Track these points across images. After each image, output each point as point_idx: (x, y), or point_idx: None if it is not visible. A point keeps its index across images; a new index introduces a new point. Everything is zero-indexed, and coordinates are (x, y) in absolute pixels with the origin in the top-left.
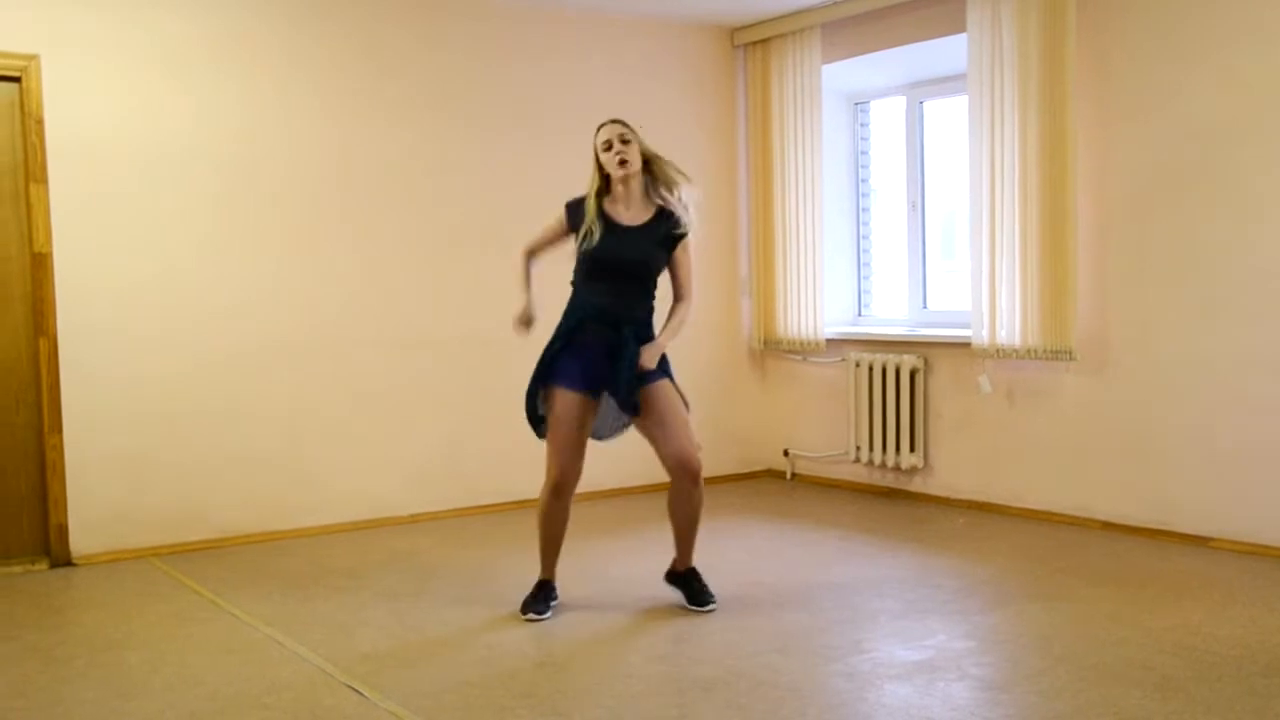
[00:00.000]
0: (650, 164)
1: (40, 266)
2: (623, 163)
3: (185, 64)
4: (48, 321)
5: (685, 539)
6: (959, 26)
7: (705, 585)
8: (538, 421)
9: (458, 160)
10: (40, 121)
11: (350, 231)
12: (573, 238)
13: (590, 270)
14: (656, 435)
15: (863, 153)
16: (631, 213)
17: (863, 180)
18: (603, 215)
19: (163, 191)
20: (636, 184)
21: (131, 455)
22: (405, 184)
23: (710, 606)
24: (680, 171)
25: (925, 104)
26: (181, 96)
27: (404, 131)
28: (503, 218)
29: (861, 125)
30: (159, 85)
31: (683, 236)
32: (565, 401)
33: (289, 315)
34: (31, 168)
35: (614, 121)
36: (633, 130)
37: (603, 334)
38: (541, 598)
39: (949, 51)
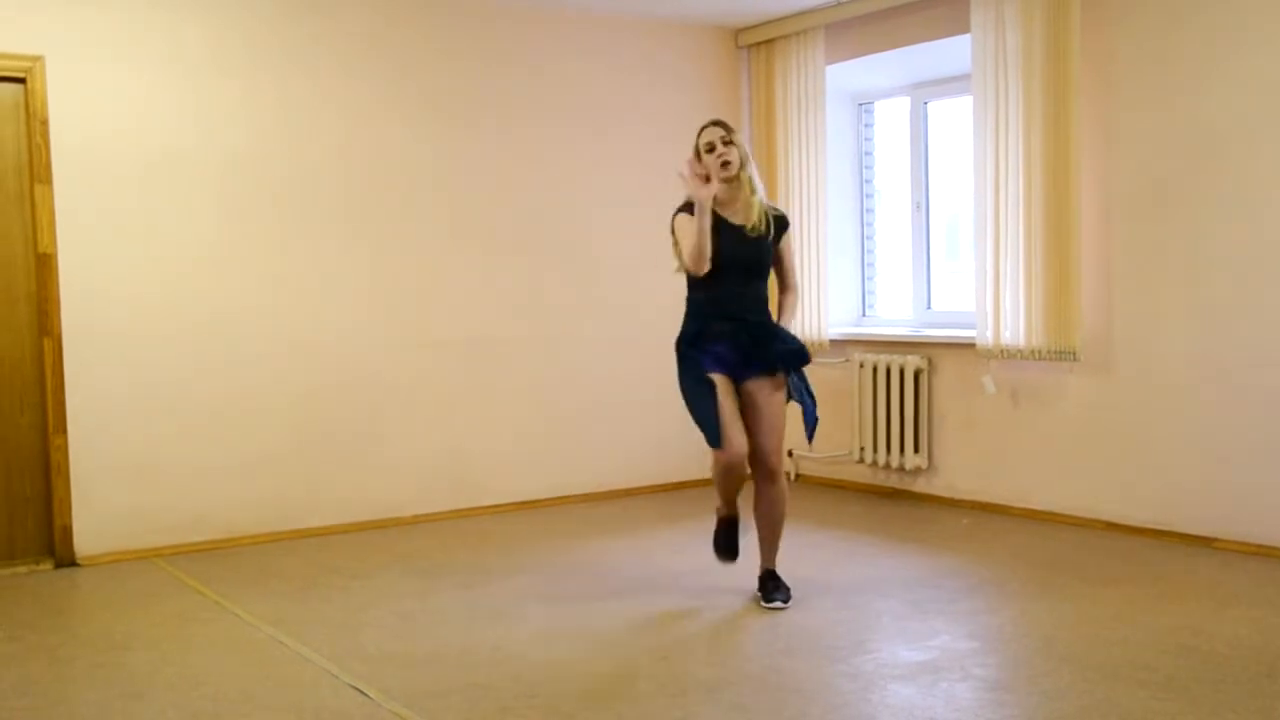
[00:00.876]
0: (743, 167)
1: (45, 267)
2: (725, 164)
3: (190, 65)
4: (52, 322)
5: (769, 538)
6: (963, 27)
7: (782, 586)
8: (712, 428)
9: (461, 161)
10: (45, 122)
11: (354, 233)
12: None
13: (708, 272)
14: (750, 427)
15: (867, 153)
16: (738, 213)
17: (867, 181)
18: (719, 221)
19: (167, 192)
20: (736, 185)
21: (135, 456)
22: (408, 185)
23: (775, 604)
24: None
25: (929, 104)
26: (186, 98)
27: (407, 132)
28: (506, 219)
29: (866, 126)
30: (163, 86)
31: (786, 228)
32: (720, 382)
33: (293, 316)
34: (36, 168)
35: (716, 123)
36: (733, 132)
37: (727, 330)
38: (729, 539)
39: (953, 52)
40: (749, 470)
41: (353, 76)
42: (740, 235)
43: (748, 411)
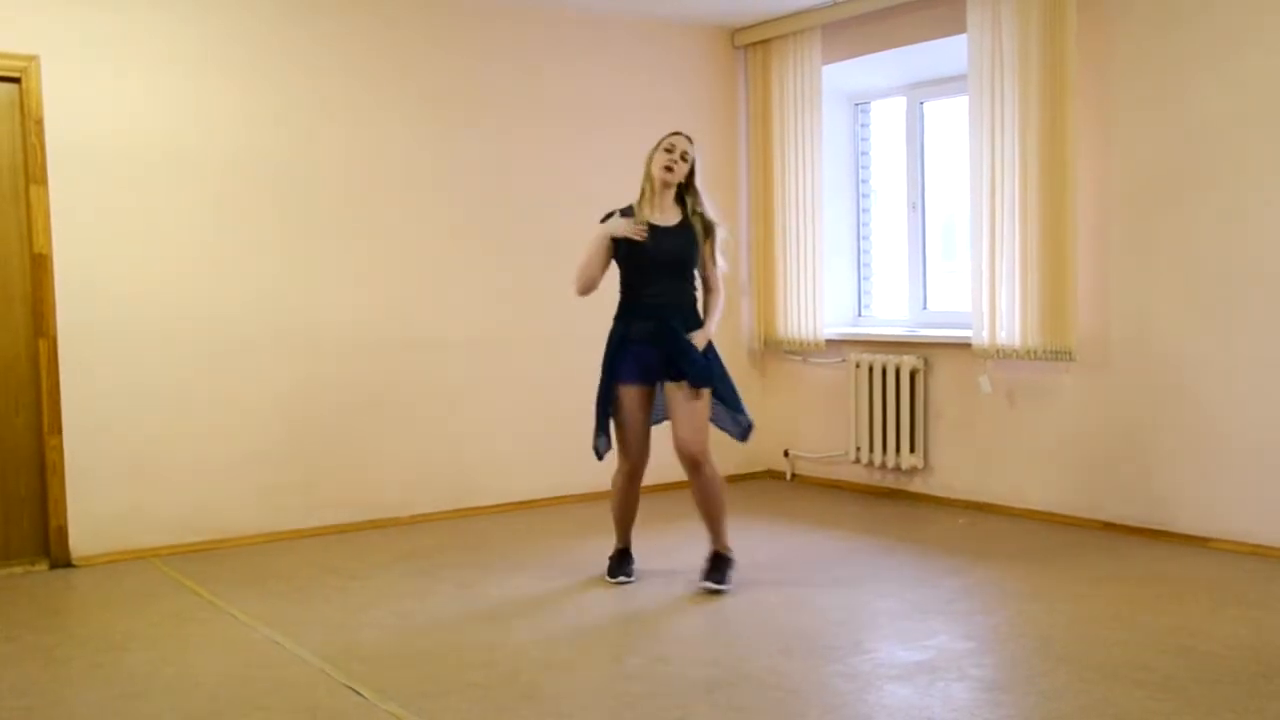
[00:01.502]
0: (688, 188)
1: (40, 267)
2: (669, 169)
3: (185, 65)
4: (47, 322)
5: (707, 523)
6: (959, 27)
7: (722, 569)
8: (602, 428)
9: (459, 161)
10: (40, 122)
11: (351, 232)
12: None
13: (633, 268)
14: (673, 425)
15: (863, 153)
16: (663, 216)
17: (863, 181)
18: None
19: (163, 192)
20: (670, 194)
21: (131, 456)
22: (406, 185)
23: (707, 585)
24: (711, 213)
25: (925, 104)
26: (182, 97)
27: (405, 132)
28: (504, 219)
29: (862, 126)
30: (159, 86)
31: (713, 232)
32: (627, 395)
33: (289, 316)
34: (31, 169)
35: (683, 135)
36: (693, 150)
37: (650, 329)
38: (625, 563)
39: (949, 52)
40: (638, 492)
41: (351, 76)
42: (664, 233)
43: (668, 407)
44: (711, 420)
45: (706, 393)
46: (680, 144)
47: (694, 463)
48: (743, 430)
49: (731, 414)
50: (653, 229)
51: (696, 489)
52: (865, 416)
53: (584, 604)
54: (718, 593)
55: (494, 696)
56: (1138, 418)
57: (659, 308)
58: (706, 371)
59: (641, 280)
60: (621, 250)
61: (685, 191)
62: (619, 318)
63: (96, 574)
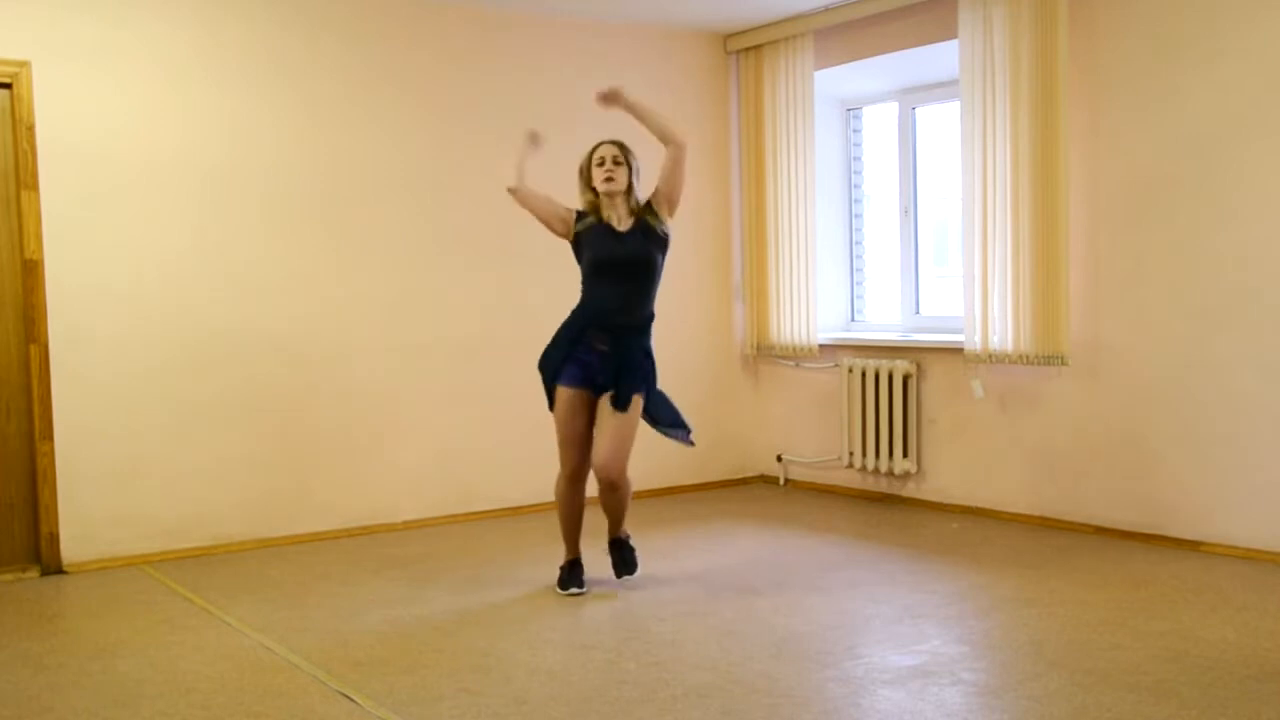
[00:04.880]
0: (630, 192)
1: (31, 273)
2: (609, 179)
3: (176, 70)
4: (38, 328)
5: (611, 520)
6: (951, 33)
7: (626, 556)
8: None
9: (450, 167)
10: (31, 128)
11: (342, 238)
12: (570, 228)
13: (594, 272)
14: (596, 441)
15: (855, 159)
16: (619, 223)
17: (855, 186)
18: (601, 223)
19: (154, 198)
20: (622, 200)
21: (123, 462)
22: (398, 191)
23: (627, 575)
24: (661, 215)
25: (917, 110)
26: (173, 103)
27: (396, 138)
28: (494, 224)
29: (854, 131)
30: (150, 92)
31: (646, 204)
32: (566, 398)
33: (281, 322)
34: (22, 174)
35: (611, 142)
36: (627, 154)
37: (603, 341)
38: (576, 574)
39: (941, 58)
40: (583, 497)
41: (341, 81)
42: (618, 237)
43: (596, 423)
44: (664, 434)
45: (634, 415)
46: (609, 151)
47: (611, 484)
48: (686, 435)
49: (672, 431)
50: (614, 232)
51: (608, 504)
52: (858, 421)
53: (576, 609)
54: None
55: (486, 702)
56: (1130, 422)
57: (615, 315)
58: (635, 394)
59: (600, 285)
60: (586, 255)
61: (630, 194)
62: (573, 322)
63: (88, 580)
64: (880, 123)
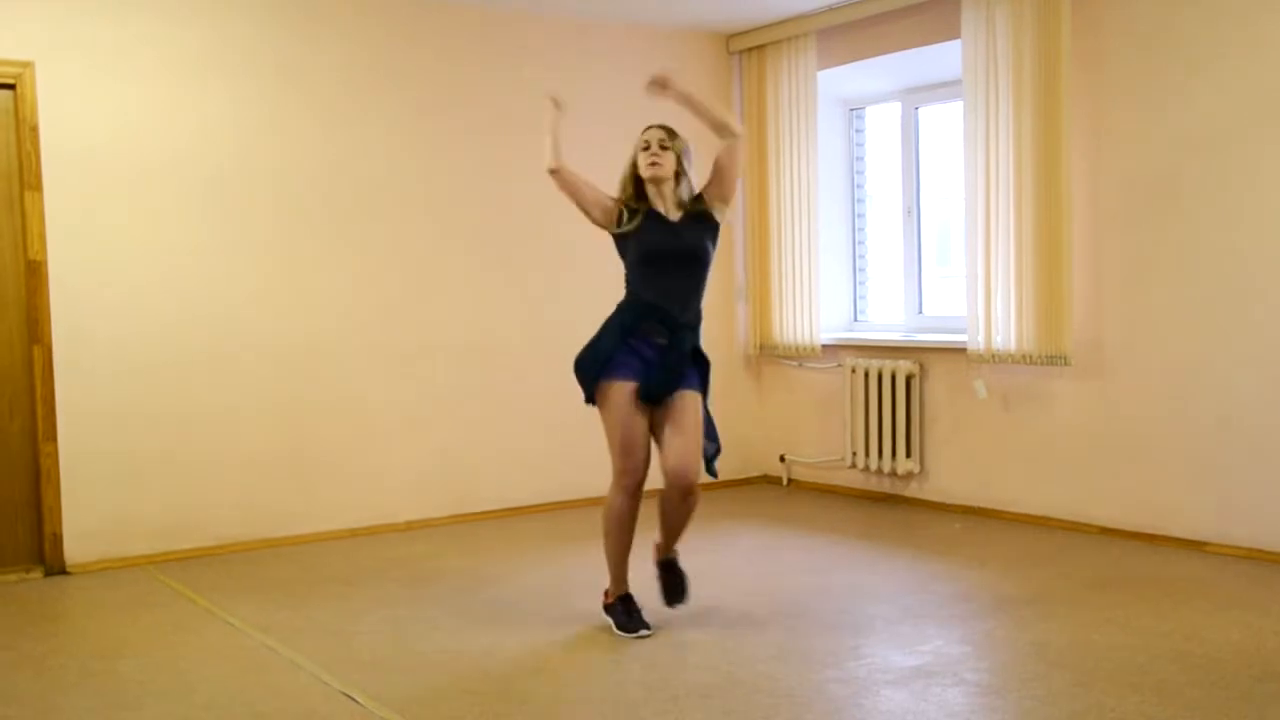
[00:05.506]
0: (679, 179)
1: (35, 274)
2: (654, 164)
3: (180, 71)
4: (42, 329)
5: (669, 536)
6: (954, 33)
7: (679, 580)
8: (589, 383)
9: (453, 168)
10: (35, 129)
11: (346, 238)
12: (615, 219)
13: (644, 264)
14: (664, 440)
15: (858, 159)
16: (667, 211)
17: (858, 186)
18: (650, 211)
19: (157, 199)
20: (669, 188)
21: (126, 463)
22: (401, 192)
23: (680, 603)
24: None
25: (920, 110)
26: (176, 104)
27: (400, 139)
28: (498, 225)
29: (857, 131)
30: (154, 92)
31: (699, 194)
32: (624, 392)
33: (284, 323)
34: (26, 175)
35: (659, 126)
36: (675, 140)
37: (660, 333)
38: (636, 612)
39: (944, 57)
40: (637, 511)
41: (344, 82)
42: (670, 228)
43: (664, 426)
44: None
45: (698, 410)
46: (654, 135)
47: (687, 490)
48: (711, 461)
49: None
50: (665, 221)
51: (672, 514)
52: (861, 421)
53: (578, 610)
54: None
55: (488, 703)
56: (1133, 422)
57: (666, 307)
58: (701, 388)
59: (651, 278)
60: (629, 246)
61: (680, 180)
62: (623, 312)
63: (91, 581)
64: (883, 123)
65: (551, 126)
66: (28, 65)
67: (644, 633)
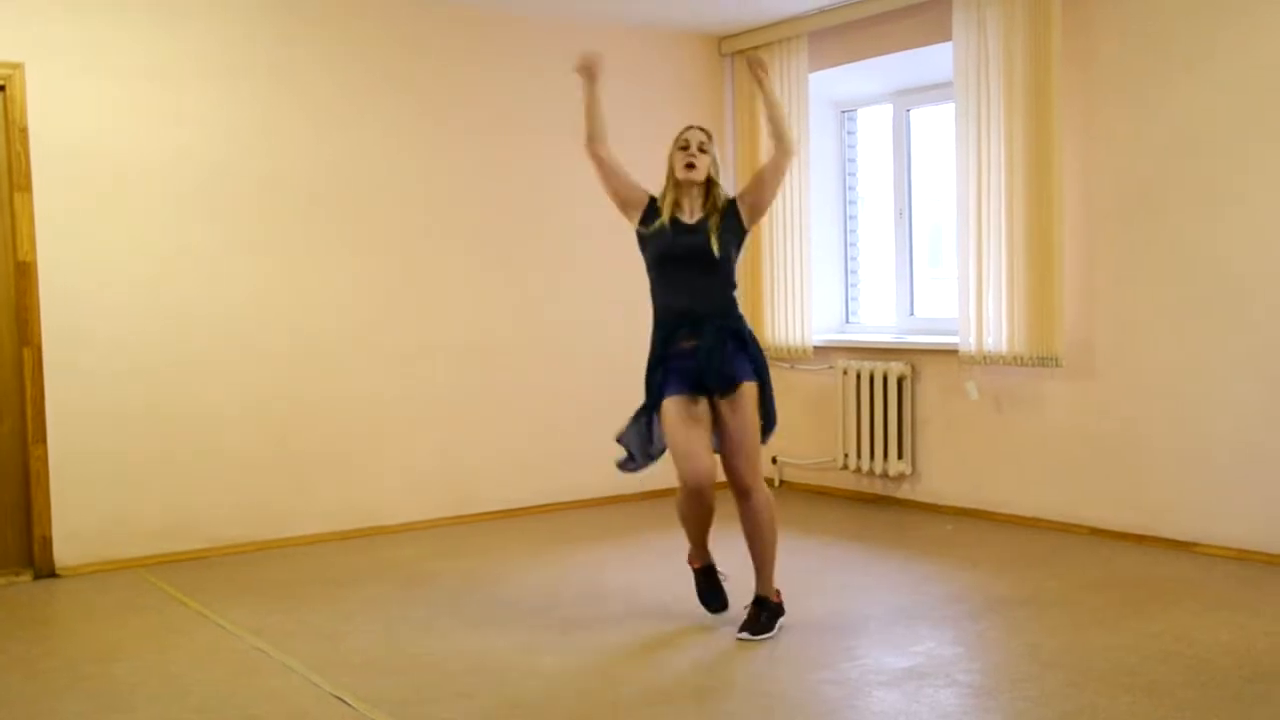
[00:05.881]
0: (712, 186)
1: (24, 275)
2: (689, 166)
3: (170, 73)
4: (32, 330)
5: (754, 559)
6: (945, 35)
7: (762, 618)
8: (634, 445)
9: (447, 169)
10: (25, 130)
11: (343, 239)
12: (639, 213)
13: (657, 265)
14: (720, 445)
15: (850, 160)
16: (690, 215)
17: (850, 188)
18: (669, 217)
19: (147, 200)
20: (698, 192)
21: (117, 465)
22: (395, 193)
23: (743, 635)
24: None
25: (912, 112)
26: (166, 105)
27: (392, 141)
28: (495, 226)
29: (849, 133)
30: (144, 93)
31: (730, 201)
32: (673, 405)
33: (276, 324)
34: (15, 176)
35: (699, 127)
36: (712, 142)
37: (687, 336)
38: (714, 586)
39: (935, 59)
40: (712, 500)
41: (336, 83)
42: (679, 229)
43: (717, 427)
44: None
45: (750, 408)
46: (694, 137)
47: (742, 491)
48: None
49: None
50: (683, 226)
51: (745, 519)
52: (853, 423)
53: (571, 611)
54: (755, 641)
55: (481, 705)
56: (1124, 423)
57: (693, 309)
58: (743, 380)
59: (662, 282)
60: (648, 251)
61: (712, 187)
62: (658, 326)
63: (81, 584)
64: (875, 124)
65: (586, 99)
66: (17, 67)
67: (715, 611)
